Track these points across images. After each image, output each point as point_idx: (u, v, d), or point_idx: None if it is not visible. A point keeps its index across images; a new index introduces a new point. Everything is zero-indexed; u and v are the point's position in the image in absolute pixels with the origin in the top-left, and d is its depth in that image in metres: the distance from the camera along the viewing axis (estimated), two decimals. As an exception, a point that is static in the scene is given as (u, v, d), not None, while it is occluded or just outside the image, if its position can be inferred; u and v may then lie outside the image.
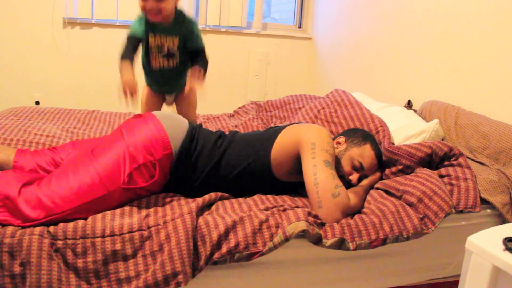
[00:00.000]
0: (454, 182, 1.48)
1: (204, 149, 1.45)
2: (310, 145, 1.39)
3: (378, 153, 1.59)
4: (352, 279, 1.43)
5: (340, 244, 1.27)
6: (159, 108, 2.09)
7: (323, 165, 1.36)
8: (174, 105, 2.14)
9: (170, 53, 1.86)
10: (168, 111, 1.55)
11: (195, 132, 1.47)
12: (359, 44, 3.04)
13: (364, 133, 1.62)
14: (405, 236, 1.32)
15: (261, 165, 1.45)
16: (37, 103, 3.20)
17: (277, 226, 1.26)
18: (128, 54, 1.73)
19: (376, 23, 2.83)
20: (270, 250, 1.22)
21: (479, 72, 1.99)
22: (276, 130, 1.52)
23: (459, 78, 2.12)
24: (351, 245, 1.28)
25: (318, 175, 1.34)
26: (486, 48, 1.96)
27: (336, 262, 1.38)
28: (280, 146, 1.45)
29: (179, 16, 1.85)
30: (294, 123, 1.56)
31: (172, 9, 1.78)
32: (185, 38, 1.86)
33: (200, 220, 1.23)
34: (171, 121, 1.44)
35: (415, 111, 2.22)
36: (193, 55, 1.91)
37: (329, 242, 1.26)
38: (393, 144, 1.71)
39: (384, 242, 1.31)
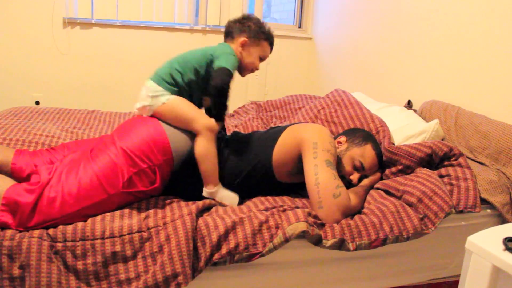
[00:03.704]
0: (454, 182, 1.47)
1: None
2: (312, 145, 1.39)
3: (379, 153, 1.59)
4: (352, 280, 1.43)
5: (340, 245, 1.27)
6: None
7: (324, 165, 1.36)
8: None
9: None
10: None
11: None
12: (359, 44, 3.03)
13: (365, 133, 1.61)
14: (405, 236, 1.32)
15: (263, 168, 1.44)
16: (37, 103, 3.20)
17: (277, 227, 1.26)
18: None
19: (376, 23, 2.82)
20: (270, 251, 1.22)
21: (479, 72, 1.99)
22: (277, 131, 1.50)
23: (459, 78, 2.11)
24: (351, 246, 1.28)
25: (319, 175, 1.34)
26: (486, 48, 1.96)
27: (336, 262, 1.38)
28: (282, 147, 1.44)
29: None
30: (295, 123, 1.55)
31: None
32: None
33: (200, 221, 1.23)
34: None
35: (415, 111, 2.21)
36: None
37: (329, 242, 1.26)
38: (393, 144, 1.70)
39: (384, 242, 1.31)
